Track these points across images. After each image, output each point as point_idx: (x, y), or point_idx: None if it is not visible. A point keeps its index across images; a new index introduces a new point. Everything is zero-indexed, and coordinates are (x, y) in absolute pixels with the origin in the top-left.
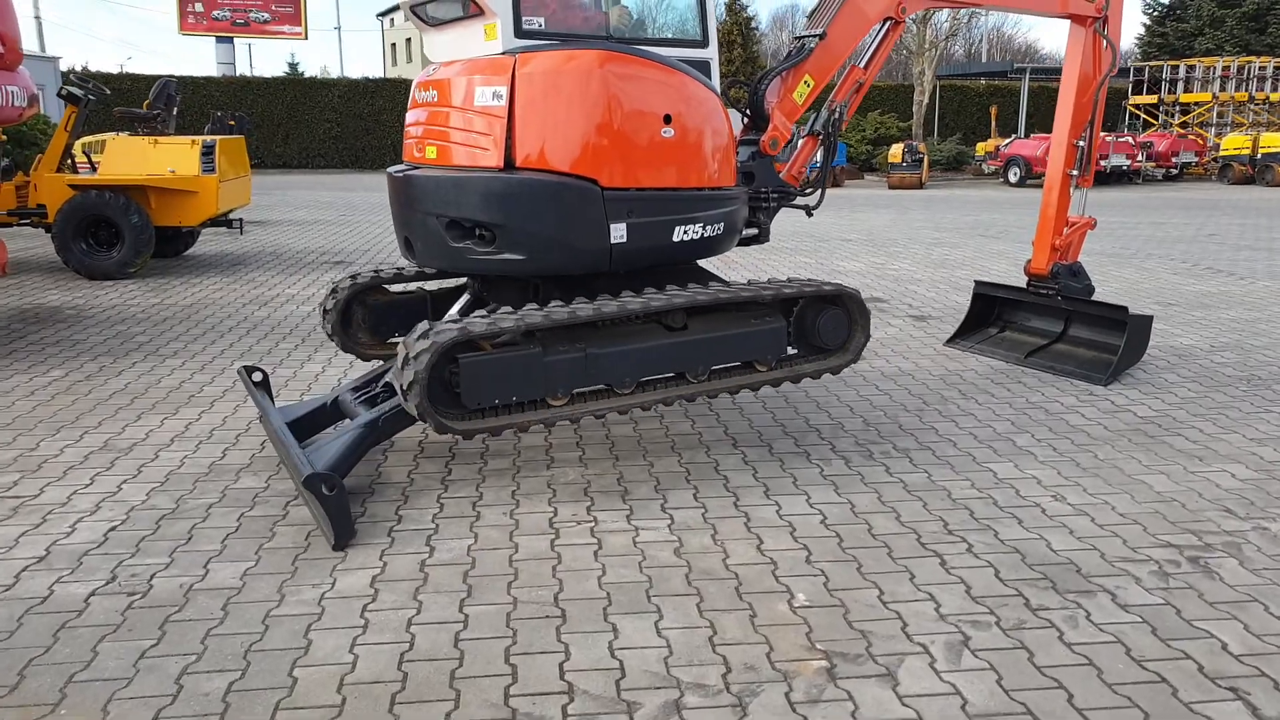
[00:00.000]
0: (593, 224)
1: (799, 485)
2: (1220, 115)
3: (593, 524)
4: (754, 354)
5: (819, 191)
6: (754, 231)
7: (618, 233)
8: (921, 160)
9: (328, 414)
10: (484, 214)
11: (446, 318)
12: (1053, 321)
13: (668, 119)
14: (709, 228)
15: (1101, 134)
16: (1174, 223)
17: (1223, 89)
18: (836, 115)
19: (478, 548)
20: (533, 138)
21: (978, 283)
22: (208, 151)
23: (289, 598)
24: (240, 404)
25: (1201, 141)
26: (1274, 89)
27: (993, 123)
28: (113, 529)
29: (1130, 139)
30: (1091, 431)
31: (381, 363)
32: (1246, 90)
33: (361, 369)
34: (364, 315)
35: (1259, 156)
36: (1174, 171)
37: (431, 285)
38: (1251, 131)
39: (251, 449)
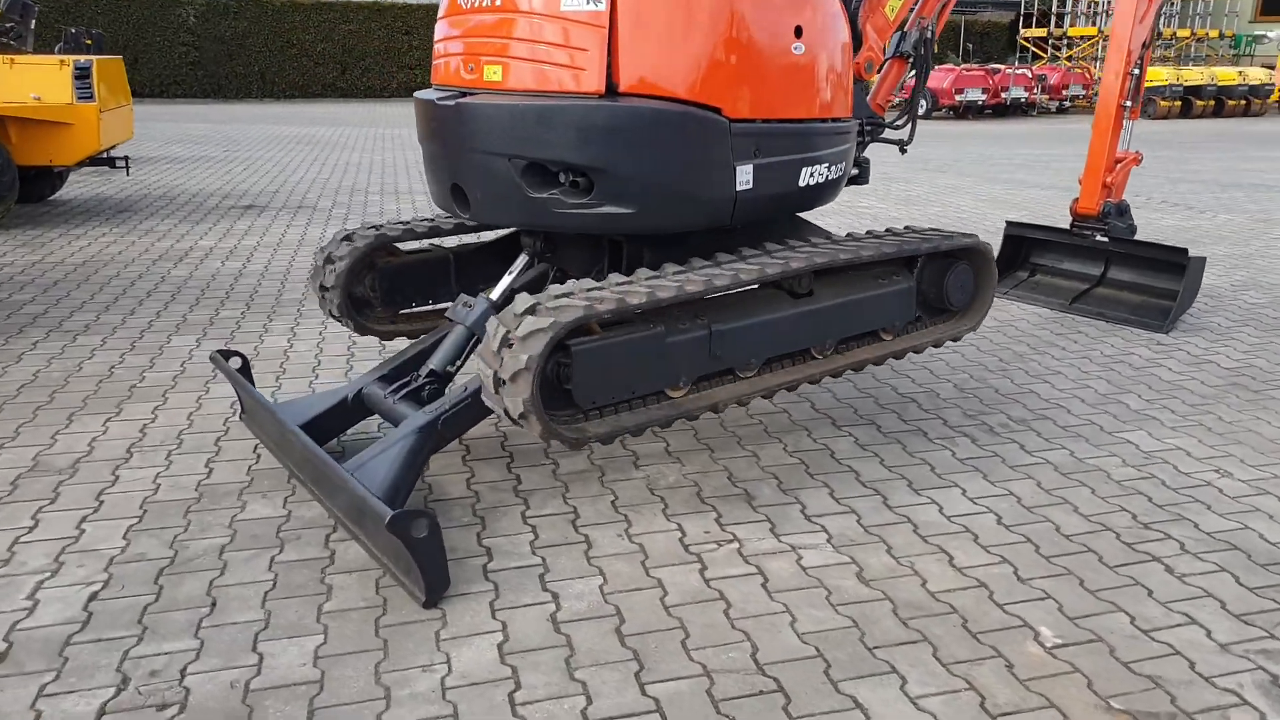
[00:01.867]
0: (719, 166)
1: (940, 474)
2: (1105, 49)
3: (735, 544)
4: (884, 320)
5: (910, 123)
6: (855, 171)
7: (743, 177)
8: None
9: (348, 412)
10: (580, 155)
11: (506, 286)
12: (1091, 264)
13: (799, 31)
14: (833, 169)
15: (1001, 66)
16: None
17: (1108, 23)
18: (928, 33)
19: (613, 590)
20: (642, 54)
21: (1009, 223)
22: (82, 74)
23: (397, 691)
24: (202, 394)
25: (1089, 75)
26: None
27: None
28: (94, 596)
29: (1028, 72)
30: (1193, 389)
31: (414, 340)
32: None
33: (339, 339)
34: (374, 283)
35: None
36: (1066, 104)
37: (449, 241)
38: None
39: (243, 458)
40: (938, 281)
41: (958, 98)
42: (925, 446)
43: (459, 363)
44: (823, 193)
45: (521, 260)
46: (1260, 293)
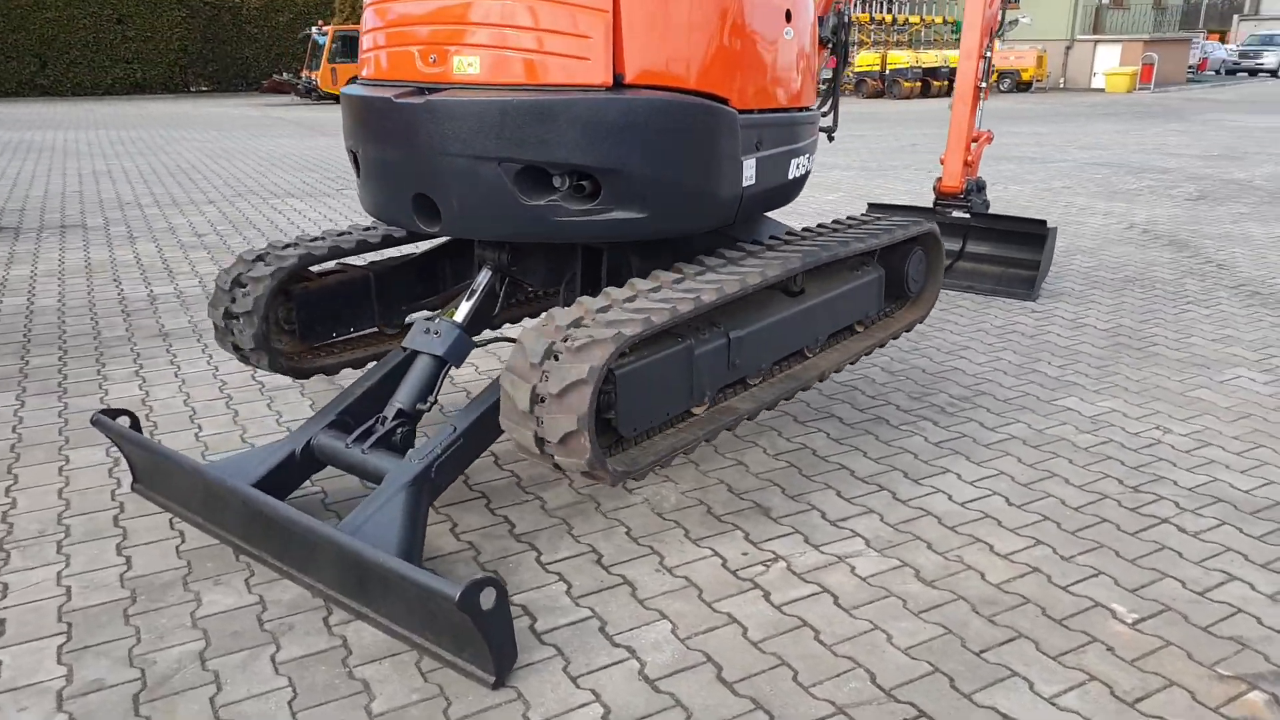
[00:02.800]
0: (730, 162)
1: (926, 461)
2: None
3: (781, 562)
4: (862, 311)
5: (833, 110)
6: None
7: (749, 171)
8: None
9: (296, 468)
10: (589, 155)
11: (471, 306)
12: (950, 240)
13: (788, 15)
14: (809, 159)
15: None
16: (867, 135)
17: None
18: (845, 18)
19: (688, 634)
20: (647, 41)
21: (871, 205)
22: None
23: None
24: (62, 465)
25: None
26: (888, 10)
27: None
28: None
29: None
30: (1089, 352)
31: (359, 376)
32: (869, 12)
33: (206, 382)
34: (287, 314)
35: (888, 72)
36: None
37: (360, 259)
38: (879, 50)
39: (163, 538)
40: (899, 269)
41: None
42: (895, 434)
43: (431, 398)
44: (801, 185)
45: (484, 276)
46: (1085, 257)
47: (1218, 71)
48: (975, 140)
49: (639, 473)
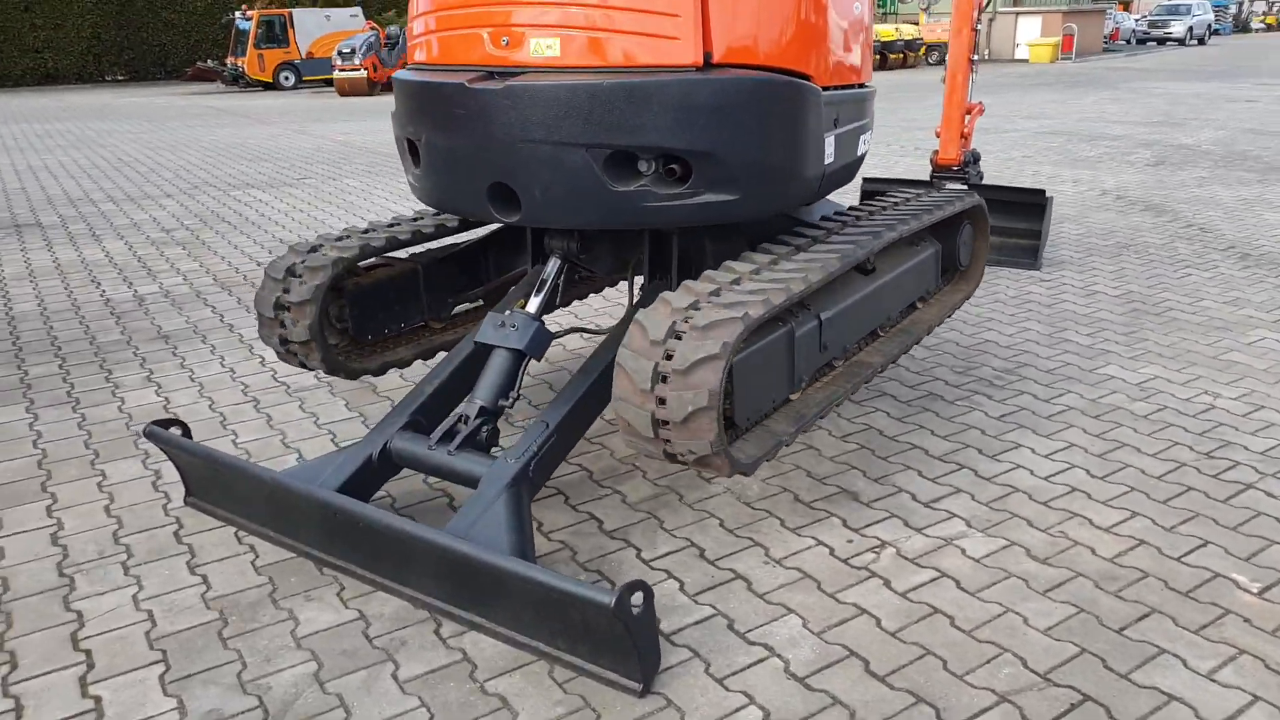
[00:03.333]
0: (815, 140)
1: (994, 436)
2: None
3: (889, 548)
4: (924, 287)
5: None
6: None
7: (829, 149)
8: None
9: (375, 474)
10: (682, 138)
11: (544, 296)
12: None
13: None
14: (870, 136)
15: None
16: None
17: None
18: None
19: (820, 628)
20: (734, 19)
21: (866, 179)
22: None
23: None
24: (101, 480)
25: None
26: None
27: None
28: None
29: None
30: (1110, 319)
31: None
32: None
33: (226, 385)
34: (339, 310)
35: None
36: None
37: (404, 252)
38: None
39: (236, 553)
40: (951, 243)
41: None
42: (954, 410)
43: (513, 394)
44: (863, 162)
45: (554, 265)
46: (1073, 224)
47: (1129, 41)
48: (968, 112)
49: (744, 469)
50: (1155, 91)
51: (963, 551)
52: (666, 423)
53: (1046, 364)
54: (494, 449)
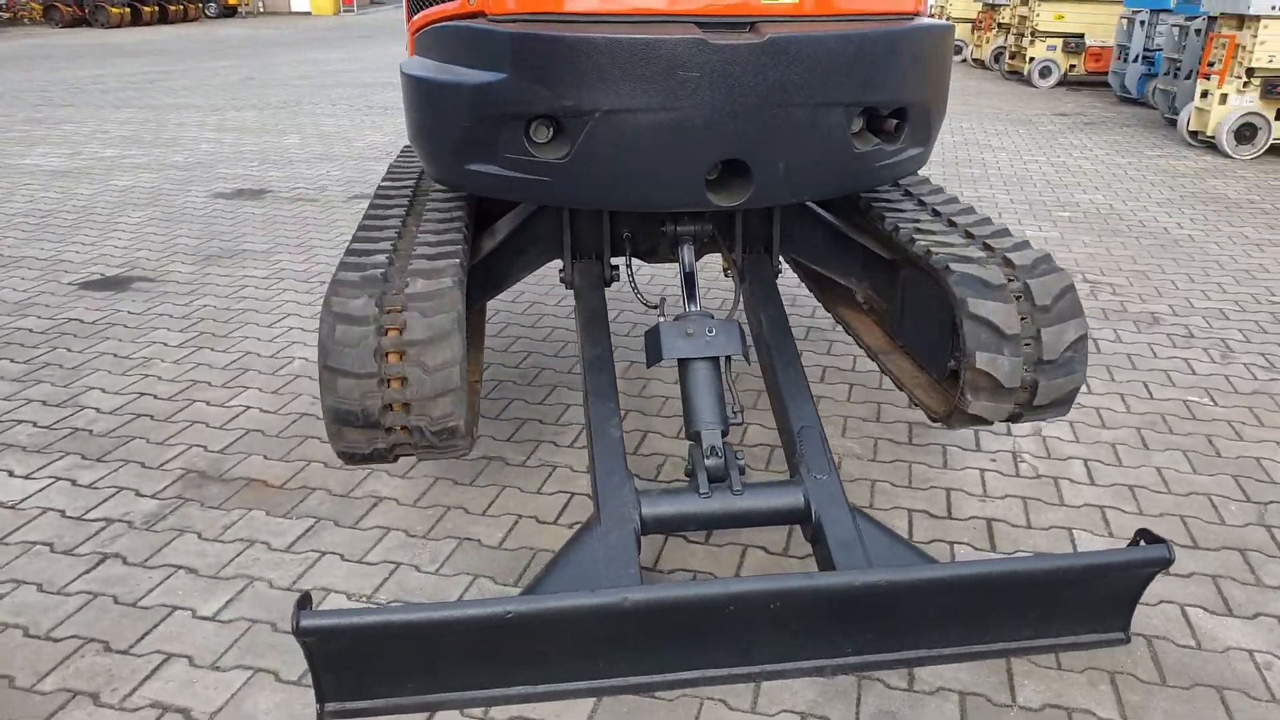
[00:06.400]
0: None
1: None
2: None
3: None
4: None
5: None
6: None
7: None
8: None
9: None
10: (917, 89)
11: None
12: None
13: None
14: None
15: None
16: (200, 69)
17: None
18: None
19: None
20: None
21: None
22: None
23: None
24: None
25: None
26: None
27: None
28: None
29: None
30: None
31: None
32: None
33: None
34: None
35: None
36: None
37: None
38: None
39: None
40: None
41: None
42: None
43: (735, 405)
44: None
45: (689, 254)
46: None
47: None
48: None
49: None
50: None
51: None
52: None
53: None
54: (799, 468)
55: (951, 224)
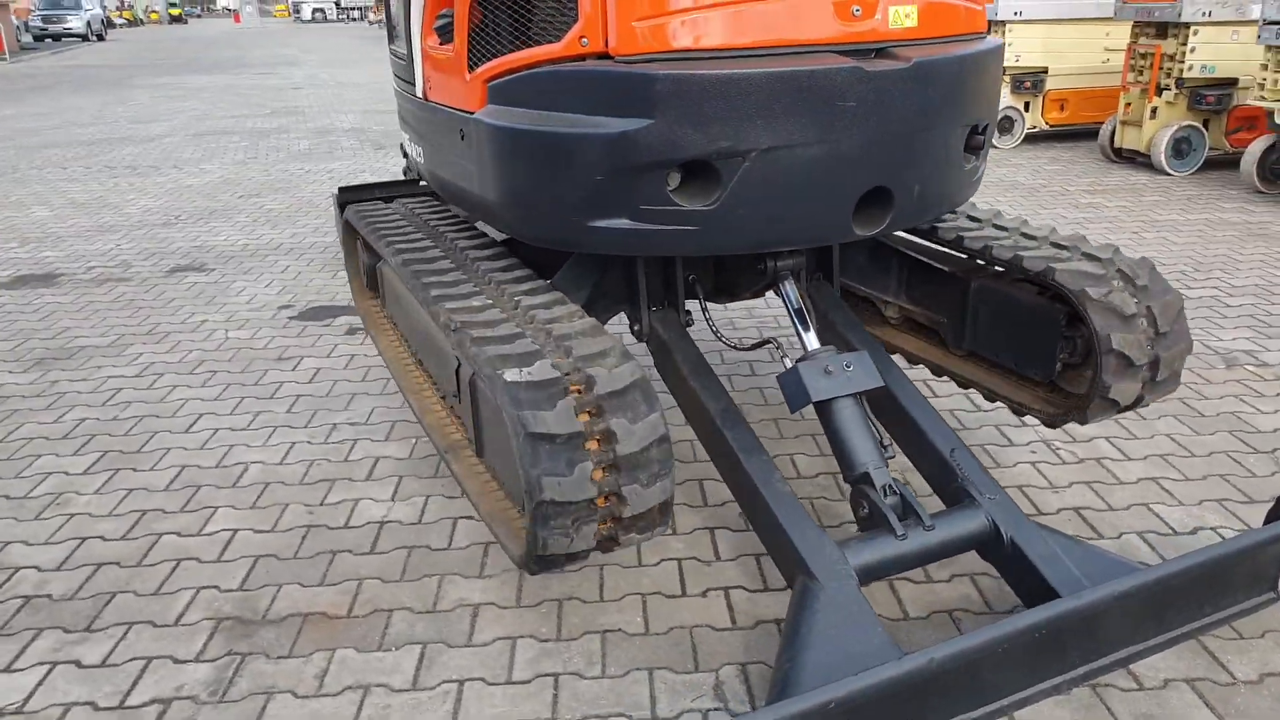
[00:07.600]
0: None
1: None
2: None
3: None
4: None
5: None
6: None
7: None
8: None
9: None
10: (996, 105)
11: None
12: None
13: None
14: None
15: None
16: None
17: None
18: None
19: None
20: None
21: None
22: None
23: None
24: None
25: None
26: None
27: None
28: None
29: None
30: None
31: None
32: None
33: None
34: None
35: None
36: None
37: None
38: None
39: None
40: None
41: None
42: None
43: (885, 440)
44: None
45: (792, 289)
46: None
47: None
48: None
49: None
50: (171, 89)
51: None
52: None
53: None
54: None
55: (1031, 236)
